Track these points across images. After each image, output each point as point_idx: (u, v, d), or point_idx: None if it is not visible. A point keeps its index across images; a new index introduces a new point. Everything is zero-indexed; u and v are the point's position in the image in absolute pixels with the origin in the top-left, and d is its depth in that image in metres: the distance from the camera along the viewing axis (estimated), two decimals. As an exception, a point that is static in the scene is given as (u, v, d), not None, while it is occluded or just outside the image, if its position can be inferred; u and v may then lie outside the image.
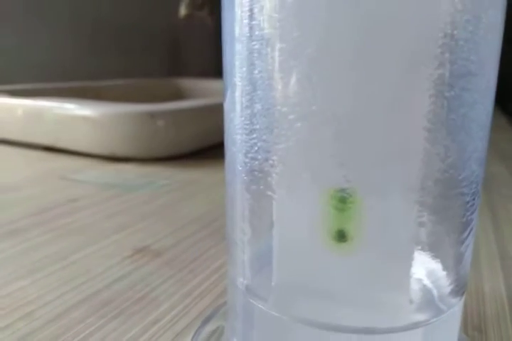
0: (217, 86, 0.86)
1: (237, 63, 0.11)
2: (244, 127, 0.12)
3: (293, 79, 0.10)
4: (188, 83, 0.90)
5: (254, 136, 0.12)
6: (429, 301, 0.13)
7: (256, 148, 0.12)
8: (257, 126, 0.11)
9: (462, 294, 0.13)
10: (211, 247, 0.27)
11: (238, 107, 0.12)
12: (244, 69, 0.11)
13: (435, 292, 0.13)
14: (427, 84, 0.10)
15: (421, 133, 0.10)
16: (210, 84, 0.88)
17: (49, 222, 0.31)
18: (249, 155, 0.12)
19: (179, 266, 0.25)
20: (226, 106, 0.13)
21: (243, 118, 0.12)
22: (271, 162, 0.11)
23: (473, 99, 0.10)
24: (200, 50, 1.18)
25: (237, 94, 0.12)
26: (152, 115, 0.46)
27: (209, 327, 0.18)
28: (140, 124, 0.47)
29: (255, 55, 0.11)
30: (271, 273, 0.13)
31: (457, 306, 0.13)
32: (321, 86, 0.10)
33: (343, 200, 0.12)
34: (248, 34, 0.11)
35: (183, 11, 0.82)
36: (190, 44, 1.16)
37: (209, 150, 0.53)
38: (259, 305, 0.13)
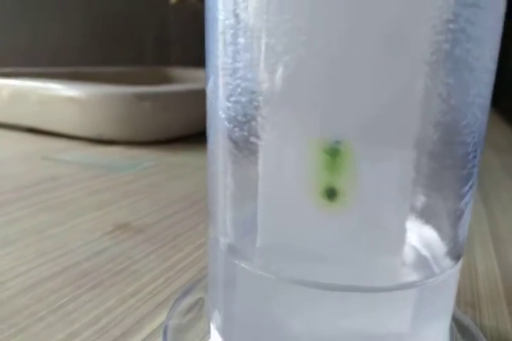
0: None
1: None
2: (227, 67, 0.11)
3: (280, 6, 0.09)
4: (177, 71, 0.89)
5: (238, 75, 0.11)
6: (423, 263, 0.12)
7: (239, 90, 0.11)
8: (241, 64, 0.10)
9: (458, 258, 0.13)
10: (196, 225, 0.26)
11: (220, 45, 0.11)
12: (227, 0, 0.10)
13: (429, 254, 0.12)
14: (429, 12, 0.09)
15: (422, 69, 0.09)
16: (199, 72, 0.86)
17: (29, 197, 0.30)
18: (232, 98, 0.11)
19: (162, 241, 0.24)
20: (208, 50, 0.12)
21: (226, 58, 0.11)
22: (255, 104, 0.10)
23: (479, 34, 0.10)
24: (190, 38, 1.16)
25: (220, 30, 0.11)
26: (139, 97, 0.45)
27: (189, 299, 0.17)
28: (127, 106, 0.46)
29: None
30: (255, 231, 0.12)
31: (453, 269, 0.12)
32: (311, 12, 0.09)
33: (334, 153, 0.11)
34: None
35: (174, -4, 0.81)
36: (180, 32, 1.14)
37: (197, 135, 0.52)
38: (243, 265, 0.12)
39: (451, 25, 0.09)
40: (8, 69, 0.64)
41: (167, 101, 0.47)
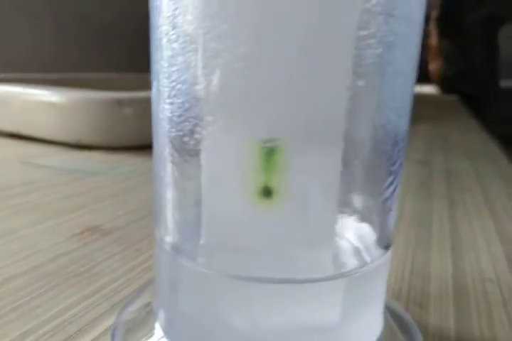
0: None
1: (157, 2, 0.11)
2: (164, 71, 0.11)
3: (209, 13, 0.10)
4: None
5: (173, 78, 0.11)
6: (354, 253, 0.13)
7: (174, 92, 0.11)
8: (175, 68, 0.11)
9: (387, 248, 0.13)
10: (164, 227, 0.27)
11: (159, 50, 0.12)
12: (164, 7, 0.11)
13: (361, 245, 0.13)
14: (342, 21, 0.10)
15: (342, 75, 0.10)
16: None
17: (3, 200, 0.30)
18: (169, 100, 0.12)
19: (126, 244, 0.24)
20: (151, 55, 0.13)
21: (163, 62, 0.11)
22: (187, 105, 0.11)
23: (391, 40, 0.10)
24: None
25: (157, 36, 0.11)
26: (119, 102, 0.46)
27: (140, 302, 0.18)
28: (107, 111, 0.46)
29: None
30: (199, 230, 0.13)
31: (382, 259, 0.13)
32: (237, 18, 0.10)
33: (269, 153, 0.12)
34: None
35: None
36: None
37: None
38: (186, 264, 0.13)
39: (362, 32, 0.10)
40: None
41: (147, 107, 0.48)
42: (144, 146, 0.49)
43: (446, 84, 1.34)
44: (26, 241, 0.24)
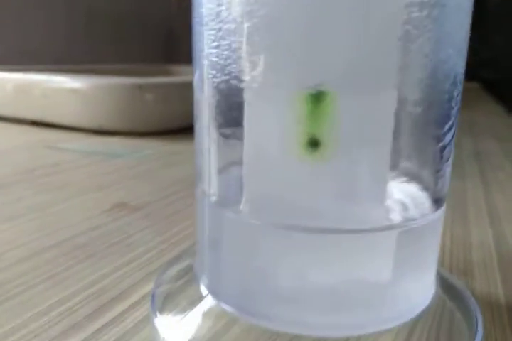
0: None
1: None
2: (211, 13, 0.11)
3: None
4: (181, 69, 0.89)
5: (220, 19, 0.11)
6: (403, 209, 0.12)
7: (220, 34, 0.11)
8: (223, 7, 0.11)
9: (439, 204, 0.13)
10: (190, 204, 0.26)
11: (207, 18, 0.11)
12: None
13: (410, 201, 0.12)
14: None
15: (396, 9, 0.09)
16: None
17: (32, 180, 0.30)
18: (214, 44, 0.11)
19: (157, 218, 0.24)
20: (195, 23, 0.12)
21: (210, 4, 0.11)
22: (235, 45, 0.11)
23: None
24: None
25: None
26: (141, 88, 0.46)
27: (179, 265, 0.17)
28: (128, 97, 0.46)
29: None
30: (242, 182, 0.12)
31: (434, 215, 0.12)
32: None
33: (316, 101, 0.11)
34: None
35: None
36: (184, 31, 1.15)
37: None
38: (230, 215, 0.12)
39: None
40: (11, 67, 0.65)
41: (167, 92, 0.48)
42: (165, 131, 0.48)
43: (468, 72, 1.32)
44: (56, 217, 0.24)
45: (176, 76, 0.84)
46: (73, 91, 0.47)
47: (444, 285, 0.15)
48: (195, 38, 0.12)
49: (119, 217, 0.24)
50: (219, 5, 0.11)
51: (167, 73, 0.85)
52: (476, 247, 0.21)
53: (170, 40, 1.14)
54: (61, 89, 0.48)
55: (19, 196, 0.27)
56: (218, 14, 0.11)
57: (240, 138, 0.12)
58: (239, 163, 0.12)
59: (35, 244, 0.20)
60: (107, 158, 0.37)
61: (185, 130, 0.51)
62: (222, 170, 0.13)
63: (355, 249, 0.12)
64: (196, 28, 0.12)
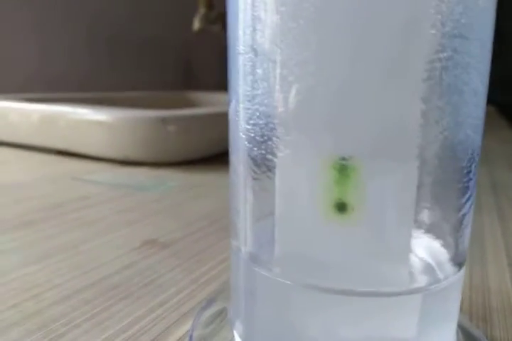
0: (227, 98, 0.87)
1: (240, 32, 0.12)
2: (247, 94, 0.12)
3: (291, 41, 0.11)
4: (200, 96, 0.92)
5: (256, 101, 0.12)
6: (428, 270, 0.13)
7: (257, 114, 0.12)
8: (259, 92, 0.12)
9: (461, 265, 0.14)
10: (219, 241, 0.27)
11: (241, 75, 0.12)
12: (247, 36, 0.12)
13: (433, 261, 0.13)
14: (421, 43, 0.10)
15: (417, 94, 0.11)
16: (220, 96, 0.89)
17: (61, 215, 0.32)
18: (251, 121, 0.12)
19: (186, 256, 0.25)
20: (230, 78, 0.13)
21: (245, 86, 0.12)
22: (271, 126, 0.12)
23: (466, 62, 0.11)
24: (212, 64, 1.20)
25: (240, 62, 0.12)
26: (164, 120, 0.47)
27: (214, 308, 0.18)
28: (152, 129, 0.48)
29: (257, 21, 0.11)
30: (274, 241, 0.13)
31: (456, 276, 0.13)
32: (318, 47, 0.11)
33: (343, 169, 0.12)
34: (250, 1, 0.11)
35: (196, 24, 0.83)
36: (202, 59, 1.17)
37: (219, 156, 0.54)
38: (263, 273, 0.13)
39: (440, 55, 0.10)
40: (36, 95, 0.68)
41: (189, 124, 0.49)
42: (188, 162, 0.50)
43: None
44: (89, 255, 0.25)
45: (195, 103, 0.86)
46: (98, 123, 0.49)
47: (464, 334, 0.16)
48: (231, 112, 0.14)
49: (149, 254, 0.25)
50: (254, 89, 0.12)
51: (186, 100, 0.87)
52: (494, 293, 0.21)
53: (188, 67, 1.16)
54: (86, 121, 0.50)
55: (49, 234, 0.28)
56: (254, 97, 0.12)
57: (273, 199, 0.13)
58: (272, 222, 0.13)
59: (70, 285, 0.21)
60: (133, 191, 0.38)
61: (206, 160, 0.52)
62: (256, 224, 0.14)
63: (381, 310, 0.13)
64: (231, 103, 0.13)
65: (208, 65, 1.19)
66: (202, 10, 0.84)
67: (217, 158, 0.53)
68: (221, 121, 0.53)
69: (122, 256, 0.25)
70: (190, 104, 0.88)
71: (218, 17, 0.89)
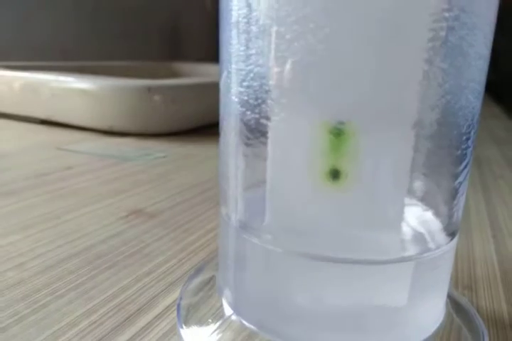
0: (216, 69, 0.86)
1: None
2: (240, 54, 0.12)
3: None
4: (186, 67, 0.90)
5: (250, 61, 0.11)
6: (419, 238, 0.13)
7: (251, 75, 0.11)
8: (253, 51, 0.11)
9: (453, 234, 0.13)
10: (206, 211, 0.27)
11: (234, 33, 0.12)
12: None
13: (426, 230, 0.13)
14: (427, 1, 0.10)
15: (420, 54, 0.10)
16: (207, 67, 0.87)
17: (44, 185, 0.31)
18: (245, 83, 0.12)
19: (173, 226, 0.25)
20: (221, 38, 0.13)
21: (239, 45, 0.12)
22: (266, 88, 0.11)
23: (473, 22, 0.10)
24: (199, 34, 1.17)
25: (233, 19, 0.12)
26: (149, 89, 0.46)
27: (201, 277, 0.18)
28: (137, 98, 0.47)
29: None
30: (264, 208, 0.13)
31: (448, 245, 0.13)
32: (319, 2, 0.10)
33: (338, 134, 0.12)
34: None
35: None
36: (189, 28, 1.15)
37: (207, 128, 0.53)
38: (253, 240, 0.13)
39: (446, 14, 0.10)
40: (16, 63, 0.66)
41: (176, 94, 0.48)
42: (174, 133, 0.49)
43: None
44: (73, 225, 0.24)
45: (182, 74, 0.84)
46: (82, 91, 0.48)
47: (451, 302, 0.16)
48: (223, 74, 0.13)
49: (135, 224, 0.25)
50: (248, 48, 0.11)
51: (172, 70, 0.86)
52: (479, 262, 0.22)
53: (174, 37, 1.14)
54: (70, 90, 0.49)
55: (33, 202, 0.28)
56: (248, 57, 0.11)
57: (264, 166, 0.13)
58: (263, 189, 0.13)
59: (54, 254, 0.21)
60: (119, 161, 0.38)
61: (195, 131, 0.51)
62: (246, 191, 0.14)
63: (372, 278, 0.12)
64: (224, 65, 0.13)
65: (195, 35, 1.17)
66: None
67: (205, 129, 0.52)
68: (209, 91, 0.52)
69: (108, 225, 0.24)
70: (177, 75, 0.86)
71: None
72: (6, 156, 0.38)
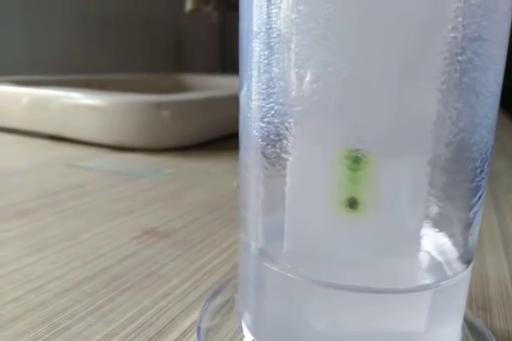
0: (221, 82, 0.86)
1: (254, 28, 0.12)
2: (261, 92, 0.12)
3: (310, 41, 0.11)
4: (191, 78, 0.91)
5: (271, 99, 0.12)
6: (437, 267, 0.13)
7: (272, 112, 0.12)
8: (274, 90, 0.12)
9: (469, 262, 0.14)
10: (219, 230, 0.27)
11: (255, 73, 0.12)
12: (262, 34, 0.12)
13: (442, 259, 0.13)
14: (441, 46, 0.10)
15: (434, 95, 0.11)
16: (213, 79, 0.88)
17: (57, 204, 0.31)
18: (266, 119, 0.12)
19: (187, 246, 0.25)
20: (241, 75, 0.13)
21: (260, 84, 0.12)
22: (287, 125, 0.12)
23: (485, 64, 0.11)
24: (204, 46, 1.18)
25: (255, 60, 0.12)
26: (158, 105, 0.47)
27: (219, 299, 0.18)
28: (146, 114, 0.47)
29: (273, 19, 0.11)
30: (283, 237, 0.13)
31: (464, 273, 0.14)
32: (337, 47, 0.10)
33: (356, 160, 0.12)
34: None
35: (189, 5, 0.82)
36: (195, 40, 1.16)
37: (214, 142, 0.53)
38: (272, 268, 0.13)
39: (459, 57, 0.10)
40: (25, 77, 0.66)
41: (185, 109, 0.49)
42: (182, 148, 0.50)
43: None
44: (87, 245, 0.25)
45: (188, 86, 0.85)
46: (90, 107, 0.48)
47: (467, 324, 0.16)
48: (243, 109, 0.13)
49: (149, 244, 0.25)
50: (269, 87, 0.12)
51: (178, 83, 0.87)
52: (493, 281, 0.22)
53: (180, 49, 1.15)
54: (78, 105, 0.49)
55: (45, 223, 0.28)
56: (269, 96, 0.12)
57: (284, 196, 0.13)
58: (282, 218, 0.13)
59: (71, 276, 0.21)
60: (128, 179, 0.38)
61: (202, 145, 0.52)
62: (266, 217, 0.14)
63: (389, 306, 0.13)
64: (244, 98, 0.13)
65: (200, 47, 1.18)
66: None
67: (213, 143, 0.53)
68: (217, 105, 0.53)
69: (122, 246, 0.25)
70: (183, 87, 0.87)
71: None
72: (18, 174, 0.39)
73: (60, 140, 0.53)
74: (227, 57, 1.20)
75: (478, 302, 0.20)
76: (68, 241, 0.25)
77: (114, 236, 0.26)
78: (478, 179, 0.12)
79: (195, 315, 0.18)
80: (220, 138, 0.54)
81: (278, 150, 0.12)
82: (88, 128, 0.49)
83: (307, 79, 0.11)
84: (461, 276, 0.13)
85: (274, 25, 0.11)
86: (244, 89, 0.13)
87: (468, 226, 0.13)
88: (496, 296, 0.20)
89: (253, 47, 0.12)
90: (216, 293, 0.19)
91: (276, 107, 0.12)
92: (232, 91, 0.57)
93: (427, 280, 0.13)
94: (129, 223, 0.28)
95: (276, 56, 0.11)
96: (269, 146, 0.12)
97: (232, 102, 0.55)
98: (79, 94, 0.51)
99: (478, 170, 0.12)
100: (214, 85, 0.84)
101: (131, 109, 0.47)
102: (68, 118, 0.50)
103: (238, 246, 0.16)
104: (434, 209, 0.12)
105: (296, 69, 0.11)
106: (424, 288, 0.13)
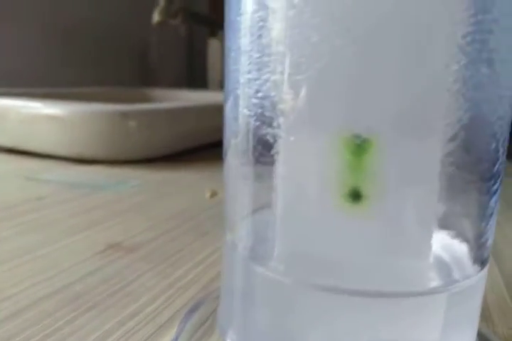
0: (189, 96, 0.84)
1: None
2: (255, 61, 0.10)
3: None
4: (158, 92, 0.88)
5: (267, 69, 0.10)
6: (447, 269, 0.12)
7: (268, 84, 0.10)
8: (271, 58, 0.10)
9: (484, 264, 0.12)
10: (191, 242, 0.25)
11: (246, 40, 0.10)
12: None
13: (454, 260, 0.12)
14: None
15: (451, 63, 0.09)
16: (181, 93, 0.86)
17: (15, 217, 0.28)
18: (260, 94, 0.10)
19: (156, 260, 0.23)
20: (228, 46, 0.11)
21: (253, 52, 0.10)
22: (285, 97, 0.10)
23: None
24: (171, 60, 1.16)
25: (246, 24, 0.10)
26: (124, 114, 0.44)
27: (197, 317, 0.16)
28: (111, 124, 0.44)
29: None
30: (275, 236, 0.11)
31: (479, 275, 0.12)
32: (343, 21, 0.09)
33: (359, 151, 0.10)
34: None
35: (156, 17, 0.81)
36: (161, 54, 1.14)
37: (182, 154, 0.51)
38: (263, 271, 0.11)
39: (484, 16, 0.09)
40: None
41: (153, 119, 0.47)
42: (148, 160, 0.47)
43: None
44: (47, 261, 0.22)
45: (154, 100, 0.83)
46: (50, 117, 0.45)
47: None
48: (230, 75, 0.11)
49: (114, 259, 0.23)
50: (264, 55, 0.10)
51: (145, 96, 0.84)
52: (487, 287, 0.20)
53: (146, 63, 1.13)
54: (37, 115, 0.46)
55: (3, 236, 0.25)
56: (265, 64, 0.10)
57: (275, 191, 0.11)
58: (273, 216, 0.11)
59: (28, 294, 0.19)
60: (91, 191, 0.36)
61: (170, 157, 0.49)
62: (255, 216, 0.12)
63: (394, 312, 0.11)
64: (232, 74, 0.11)
65: (167, 61, 1.16)
66: (162, 3, 0.81)
67: (182, 155, 0.51)
68: (185, 116, 0.51)
69: (84, 261, 0.22)
70: (149, 101, 0.85)
71: (179, 10, 0.86)
72: (-30, 187, 0.36)
73: (18, 153, 0.49)
74: (194, 72, 1.19)
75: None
76: (26, 256, 0.22)
77: (76, 251, 0.23)
78: (494, 170, 0.11)
79: (169, 337, 0.16)
80: (189, 149, 0.52)
81: (274, 130, 0.10)
82: (47, 139, 0.46)
83: (312, 39, 0.09)
84: (476, 279, 0.12)
85: None
86: (232, 62, 0.11)
87: (483, 224, 0.11)
88: (493, 304, 0.19)
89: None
90: (193, 310, 0.17)
91: (272, 77, 0.10)
92: (202, 103, 0.55)
93: (440, 282, 0.11)
94: (92, 237, 0.26)
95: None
96: (264, 126, 0.10)
97: (202, 113, 0.54)
98: (38, 103, 0.48)
99: (501, 151, 0.10)
100: (182, 99, 0.82)
101: (93, 119, 0.44)
102: (26, 130, 0.47)
103: (222, 250, 0.13)
104: (447, 206, 0.11)
105: (297, 30, 0.09)
106: (438, 290, 0.11)
